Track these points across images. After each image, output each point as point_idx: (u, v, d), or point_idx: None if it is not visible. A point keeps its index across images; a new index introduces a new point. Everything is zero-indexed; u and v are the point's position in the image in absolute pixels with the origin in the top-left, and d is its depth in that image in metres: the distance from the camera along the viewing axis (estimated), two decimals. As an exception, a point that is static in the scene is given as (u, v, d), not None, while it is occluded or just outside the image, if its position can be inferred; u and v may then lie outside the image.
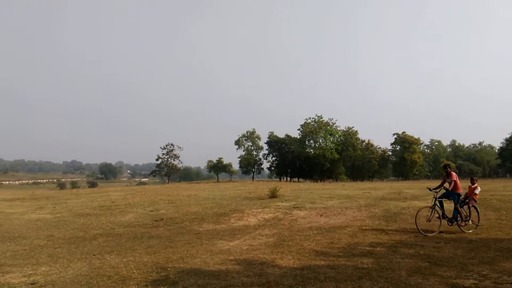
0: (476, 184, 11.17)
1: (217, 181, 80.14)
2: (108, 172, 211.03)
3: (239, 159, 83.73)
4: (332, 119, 79.55)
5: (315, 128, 77.36)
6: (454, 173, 11.01)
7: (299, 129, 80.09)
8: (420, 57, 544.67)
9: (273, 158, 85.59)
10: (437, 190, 10.82)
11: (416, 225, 10.49)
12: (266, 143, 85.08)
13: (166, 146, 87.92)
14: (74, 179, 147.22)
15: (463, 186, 11.32)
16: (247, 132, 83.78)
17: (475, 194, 11.01)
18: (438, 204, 10.76)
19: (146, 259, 8.27)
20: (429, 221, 10.77)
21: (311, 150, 77.87)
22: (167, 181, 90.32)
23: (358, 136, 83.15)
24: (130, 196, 25.26)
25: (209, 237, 10.78)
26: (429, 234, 10.12)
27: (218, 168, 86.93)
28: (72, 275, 7.07)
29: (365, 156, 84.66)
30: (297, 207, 15.89)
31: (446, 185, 10.89)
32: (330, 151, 75.37)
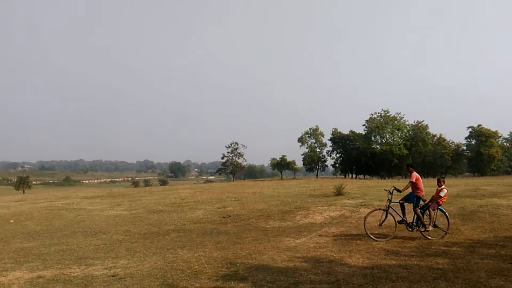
0: (443, 186, 9.93)
1: (281, 178, 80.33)
2: (177, 171, 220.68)
3: (303, 157, 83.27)
4: (399, 113, 75.92)
5: (381, 123, 74.61)
6: (414, 174, 9.89)
7: (364, 125, 77.80)
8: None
9: (338, 155, 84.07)
10: (401, 190, 9.79)
11: (365, 228, 9.80)
12: (329, 140, 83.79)
13: (231, 144, 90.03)
14: (147, 178, 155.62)
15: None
16: (310, 129, 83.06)
17: (440, 197, 9.80)
18: (393, 207, 9.87)
19: (216, 254, 8.53)
20: (381, 225, 9.98)
21: (378, 146, 75.26)
22: (232, 179, 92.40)
23: (428, 130, 78.88)
24: (198, 193, 26.16)
25: (276, 234, 10.86)
26: (381, 240, 9.36)
27: (281, 165, 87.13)
28: (148, 269, 7.50)
29: (437, 151, 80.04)
30: (364, 204, 15.48)
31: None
32: (398, 146, 72.29)
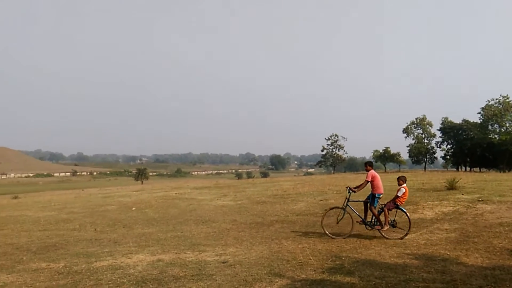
0: (401, 185, 9.60)
1: (385, 171, 76.79)
2: (277, 163, 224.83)
3: (408, 148, 78.44)
4: (522, 98, 67.28)
5: (499, 111, 66.73)
6: (370, 173, 9.71)
7: (479, 113, 70.37)
8: None
9: (448, 146, 77.33)
10: (355, 190, 9.80)
11: (322, 226, 9.90)
12: (439, 130, 77.47)
13: (331, 137, 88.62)
14: (249, 170, 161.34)
15: None
16: (416, 119, 77.77)
17: (398, 196, 9.49)
18: (351, 206, 9.86)
19: (320, 246, 8.53)
20: (337, 223, 9.95)
21: (496, 136, 67.55)
22: (332, 171, 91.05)
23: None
24: (299, 185, 26.34)
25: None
26: (337, 237, 9.38)
27: (385, 158, 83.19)
28: (255, 257, 7.79)
29: None
30: (482, 200, 14.07)
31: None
32: (521, 136, 64.08)
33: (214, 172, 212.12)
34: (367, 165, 10.14)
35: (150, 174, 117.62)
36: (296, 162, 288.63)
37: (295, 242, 9.22)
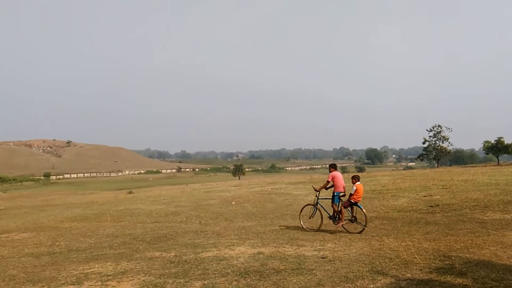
0: (355, 184, 10.47)
1: (498, 164, 69.32)
2: (373, 157, 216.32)
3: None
4: None
5: None
6: (331, 174, 10.74)
7: None
8: None
9: None
10: (317, 189, 11.14)
11: (300, 221, 11.34)
12: None
13: (433, 128, 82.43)
14: (343, 164, 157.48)
15: None
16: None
17: (351, 194, 10.32)
18: (321, 204, 11.08)
19: (426, 245, 8.04)
20: (311, 218, 11.15)
21: None
22: (436, 165, 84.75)
23: None
24: (399, 180, 25.07)
25: (497, 227, 9.52)
26: (310, 230, 10.61)
27: (497, 149, 75.00)
28: (355, 254, 7.63)
29: None
30: None
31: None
32: None
33: (307, 167, 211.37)
34: (330, 167, 11.11)
35: (246, 169, 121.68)
36: (394, 155, 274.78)
37: (397, 239, 8.82)
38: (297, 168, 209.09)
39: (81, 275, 6.97)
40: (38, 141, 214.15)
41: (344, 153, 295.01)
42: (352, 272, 6.29)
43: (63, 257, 8.82)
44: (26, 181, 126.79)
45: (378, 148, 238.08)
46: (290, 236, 9.95)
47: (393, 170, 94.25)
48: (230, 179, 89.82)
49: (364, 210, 10.37)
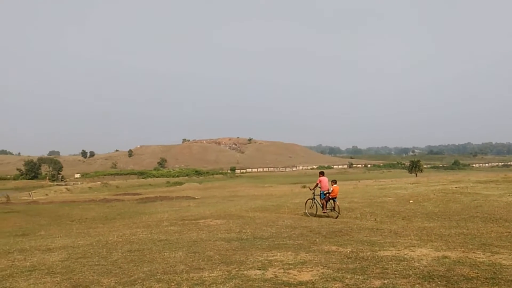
0: (334, 185, 15.24)
1: None
2: None
3: None
4: None
5: None
6: (320, 178, 15.60)
7: None
8: None
9: None
10: (311, 188, 16.67)
11: (305, 210, 16.05)
12: None
13: None
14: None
15: None
16: None
17: (328, 192, 15.02)
18: (316, 199, 15.76)
19: None
20: (310, 207, 15.89)
21: None
22: None
23: None
24: None
25: None
26: (311, 216, 15.17)
27: None
28: None
29: None
30: None
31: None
32: None
33: (500, 163, 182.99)
34: (320, 174, 16.01)
35: (424, 166, 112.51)
36: None
37: None
38: (486, 164, 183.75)
39: (266, 261, 7.62)
40: (225, 139, 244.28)
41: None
42: None
43: (249, 243, 9.79)
44: (217, 174, 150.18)
45: None
46: (481, 241, 8.86)
47: None
48: (406, 176, 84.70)
49: (337, 202, 15.22)
